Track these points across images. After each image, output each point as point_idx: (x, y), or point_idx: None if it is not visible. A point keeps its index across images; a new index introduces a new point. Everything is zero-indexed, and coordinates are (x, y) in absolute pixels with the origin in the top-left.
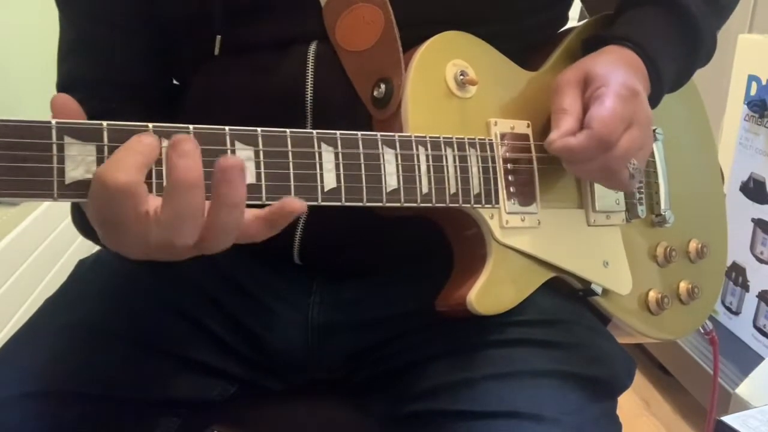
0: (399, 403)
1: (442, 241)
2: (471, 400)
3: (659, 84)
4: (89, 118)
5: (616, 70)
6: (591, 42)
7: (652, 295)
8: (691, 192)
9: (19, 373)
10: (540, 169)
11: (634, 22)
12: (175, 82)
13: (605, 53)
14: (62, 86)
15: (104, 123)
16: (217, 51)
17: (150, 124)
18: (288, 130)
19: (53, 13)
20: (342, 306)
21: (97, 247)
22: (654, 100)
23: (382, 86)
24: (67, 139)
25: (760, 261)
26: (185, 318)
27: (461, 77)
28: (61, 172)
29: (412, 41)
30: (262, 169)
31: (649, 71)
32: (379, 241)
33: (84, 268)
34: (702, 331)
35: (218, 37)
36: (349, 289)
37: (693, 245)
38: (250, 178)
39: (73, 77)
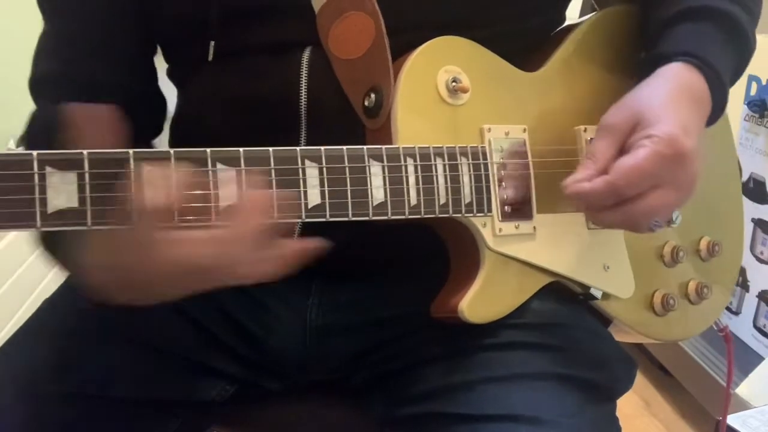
0: (397, 405)
1: (440, 243)
2: (469, 402)
3: (723, 102)
4: None
5: (670, 117)
6: (651, 58)
7: (657, 296)
8: (705, 189)
9: (18, 374)
10: (537, 173)
11: (695, 37)
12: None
13: (664, 81)
14: (34, 84)
15: (84, 151)
16: (210, 56)
17: (130, 150)
18: (271, 149)
19: None
20: (340, 308)
21: None
22: (714, 118)
23: (373, 96)
24: (48, 170)
25: (760, 261)
26: (184, 318)
27: (453, 84)
28: (44, 202)
29: (405, 47)
30: (244, 189)
31: (714, 90)
32: (377, 244)
33: None
34: (716, 328)
35: (212, 42)
36: (348, 291)
37: (704, 243)
38: (232, 199)
39: (48, 76)
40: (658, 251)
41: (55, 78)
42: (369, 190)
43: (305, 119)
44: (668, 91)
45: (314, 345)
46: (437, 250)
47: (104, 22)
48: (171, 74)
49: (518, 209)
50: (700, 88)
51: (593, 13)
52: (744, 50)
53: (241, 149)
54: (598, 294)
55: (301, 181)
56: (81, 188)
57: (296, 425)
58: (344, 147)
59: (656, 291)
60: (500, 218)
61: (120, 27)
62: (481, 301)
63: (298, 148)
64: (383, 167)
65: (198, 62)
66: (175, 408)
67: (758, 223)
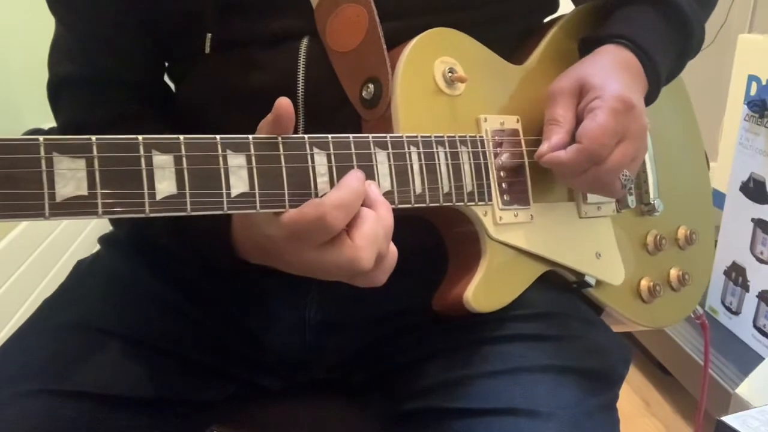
0: (397, 401)
1: (437, 238)
2: (468, 397)
3: (657, 81)
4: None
5: (612, 80)
6: (587, 41)
7: (644, 283)
8: (678, 180)
9: (18, 373)
10: (531, 163)
11: (629, 20)
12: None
13: (601, 56)
14: (55, 86)
15: (93, 137)
16: (207, 49)
17: (140, 137)
18: (279, 136)
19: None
20: (339, 304)
21: (96, 248)
22: (651, 97)
23: (371, 86)
24: (55, 155)
25: (760, 261)
26: (183, 317)
27: (450, 74)
28: (52, 190)
29: (398, 34)
30: (255, 176)
31: (647, 69)
32: None
33: (82, 268)
34: (693, 316)
35: (209, 35)
36: (347, 287)
37: (682, 232)
38: (243, 186)
39: (68, 78)
40: (641, 240)
41: (74, 80)
42: (376, 178)
43: (303, 109)
44: (606, 62)
45: (313, 342)
46: (434, 245)
47: (113, 20)
48: (168, 71)
49: (516, 198)
50: (635, 64)
51: (572, 10)
52: (685, 35)
53: (250, 136)
54: (592, 281)
55: (310, 168)
56: (90, 175)
57: (296, 424)
58: (350, 135)
59: (642, 279)
60: (500, 207)
61: (128, 24)
62: (484, 290)
63: (306, 136)
64: (388, 155)
65: (195, 55)
66: (175, 408)
67: (758, 223)
